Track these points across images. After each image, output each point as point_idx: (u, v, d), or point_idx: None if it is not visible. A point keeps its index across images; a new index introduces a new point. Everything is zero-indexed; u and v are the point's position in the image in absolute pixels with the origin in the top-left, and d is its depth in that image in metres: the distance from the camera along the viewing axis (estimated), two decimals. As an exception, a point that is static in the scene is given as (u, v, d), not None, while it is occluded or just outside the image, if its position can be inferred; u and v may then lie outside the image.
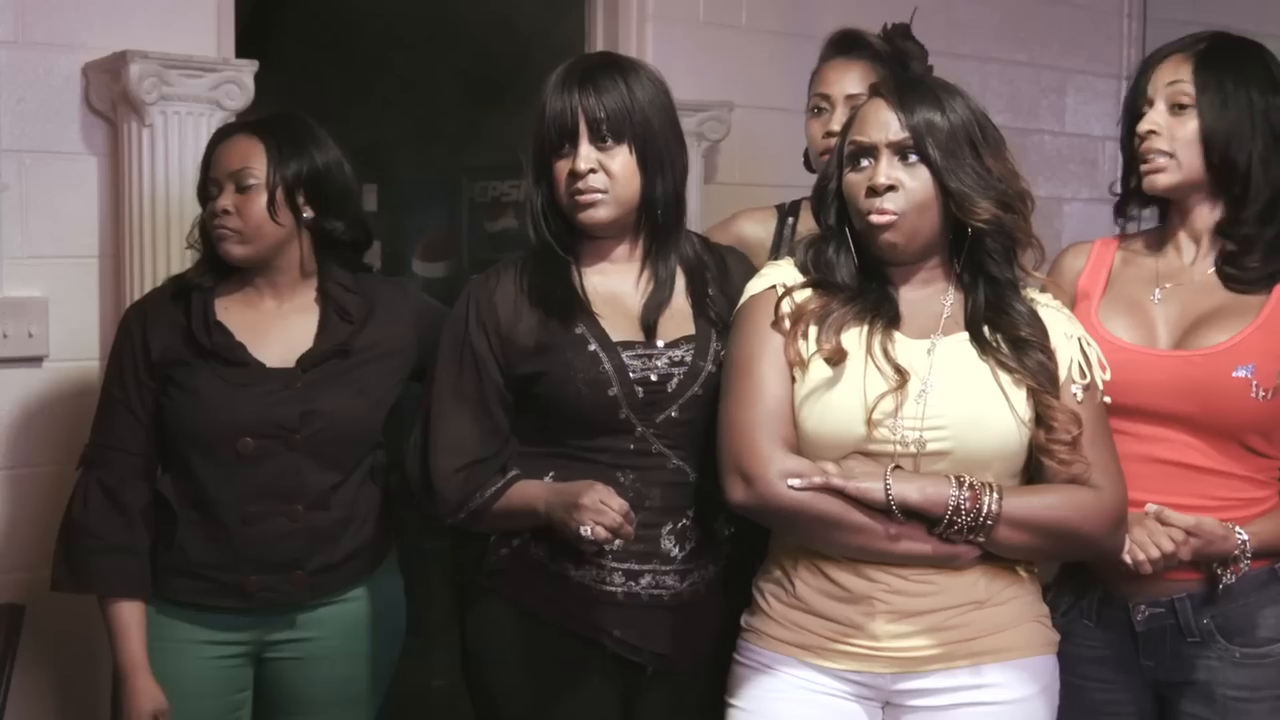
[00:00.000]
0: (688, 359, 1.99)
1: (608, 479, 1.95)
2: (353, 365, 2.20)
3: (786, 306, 1.89)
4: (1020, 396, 1.84)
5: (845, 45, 2.46)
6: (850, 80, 2.39)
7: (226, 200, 2.16)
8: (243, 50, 2.74)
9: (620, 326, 2.00)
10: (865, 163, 1.87)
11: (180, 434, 2.16)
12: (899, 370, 1.82)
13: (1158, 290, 2.02)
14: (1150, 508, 1.92)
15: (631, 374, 1.95)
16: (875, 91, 1.92)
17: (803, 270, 1.94)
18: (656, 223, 2.00)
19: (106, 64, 2.56)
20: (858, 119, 1.91)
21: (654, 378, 1.97)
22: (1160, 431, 1.96)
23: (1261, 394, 1.91)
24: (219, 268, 2.20)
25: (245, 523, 2.14)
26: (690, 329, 2.02)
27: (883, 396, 1.80)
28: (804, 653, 1.87)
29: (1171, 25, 4.02)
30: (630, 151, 1.96)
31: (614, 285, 2.02)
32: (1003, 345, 1.86)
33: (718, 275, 2.08)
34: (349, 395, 2.19)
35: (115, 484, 2.17)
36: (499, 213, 6.19)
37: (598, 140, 1.95)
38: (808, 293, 1.91)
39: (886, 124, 1.86)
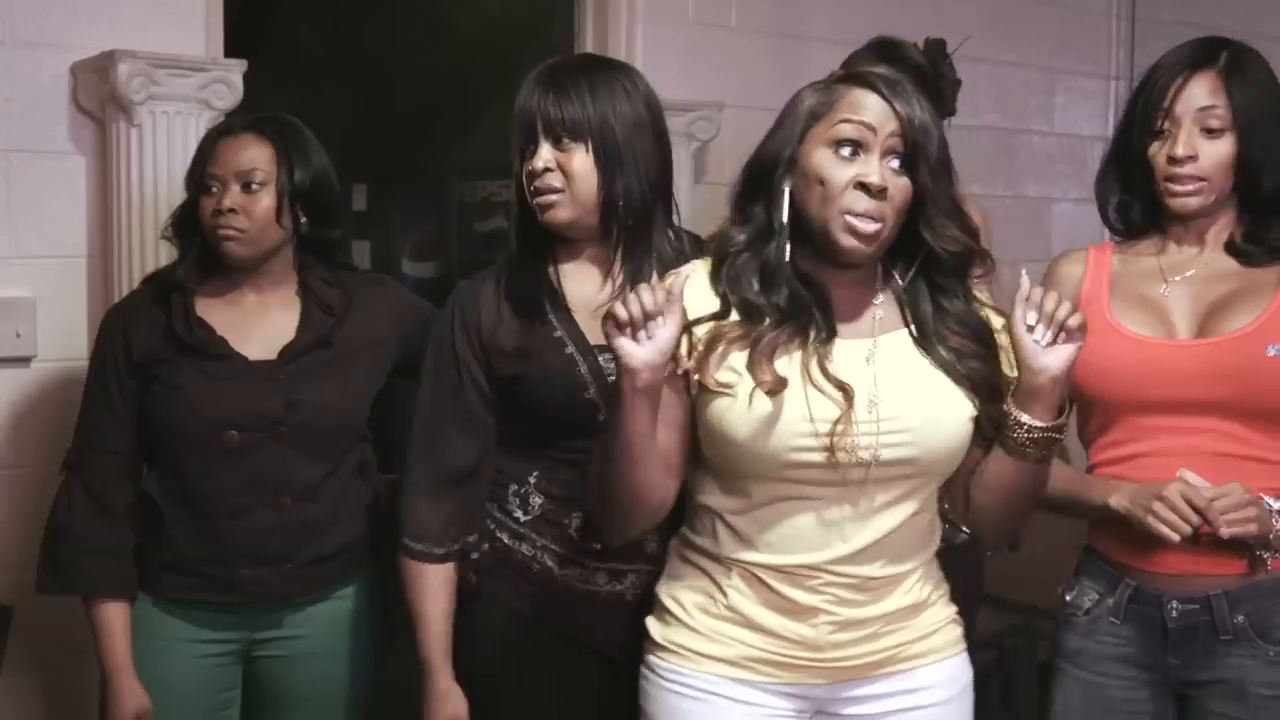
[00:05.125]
0: None
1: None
2: (335, 356, 2.21)
3: (698, 333, 1.73)
4: (962, 390, 1.76)
5: (886, 55, 2.45)
6: None
7: (233, 199, 2.15)
8: (232, 49, 2.74)
9: (598, 329, 1.97)
10: (854, 154, 1.70)
11: (165, 431, 2.16)
12: (843, 388, 1.69)
13: (1165, 285, 2.01)
14: (1181, 473, 1.89)
15: (608, 376, 1.95)
16: (864, 80, 1.74)
17: (717, 282, 1.77)
18: (623, 223, 2.00)
19: (95, 63, 2.55)
20: (849, 103, 1.72)
21: None
22: (1199, 422, 1.93)
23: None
24: (204, 264, 2.20)
25: (232, 516, 2.14)
26: None
27: (837, 422, 1.67)
28: (737, 669, 1.77)
29: (1160, 26, 4.05)
30: (587, 151, 1.96)
31: (589, 286, 2.03)
32: (944, 347, 1.76)
33: None
34: (332, 386, 2.19)
35: (99, 486, 2.17)
36: (489, 213, 6.19)
37: (554, 140, 1.97)
38: (725, 319, 1.74)
39: (884, 120, 1.70)
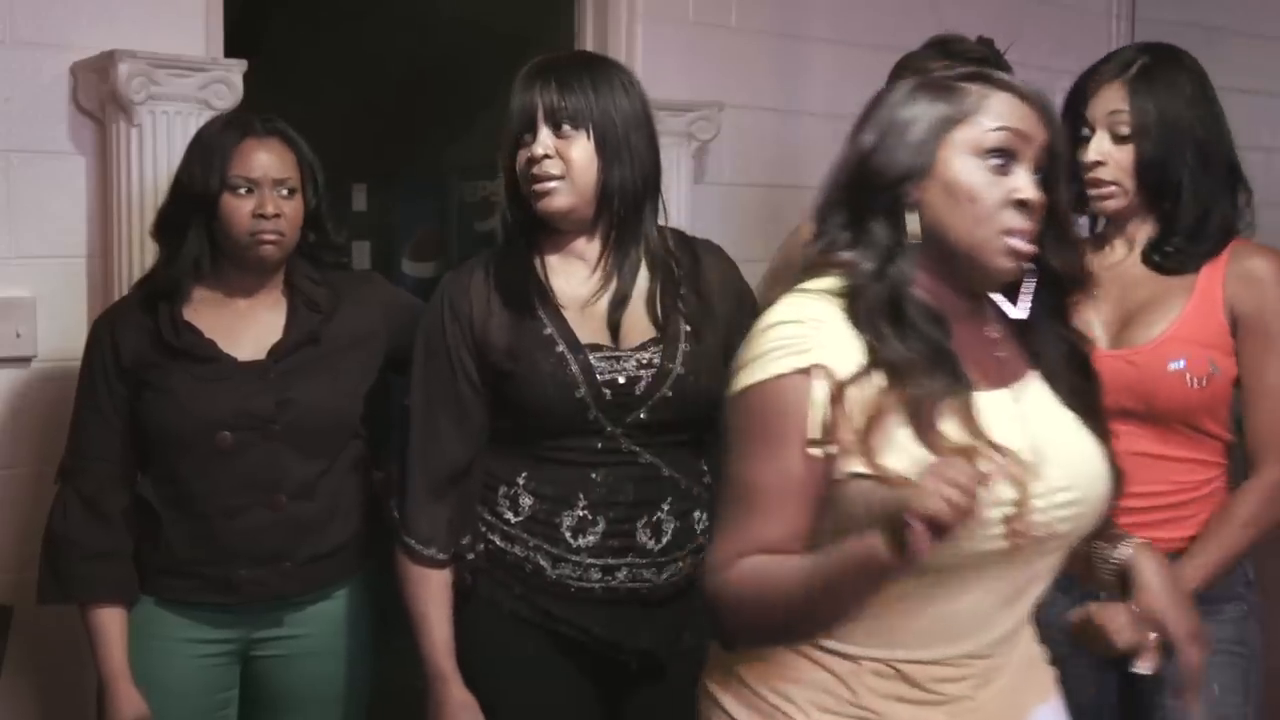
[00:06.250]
0: (655, 361, 1.99)
1: (580, 477, 1.97)
2: (324, 354, 2.20)
3: (846, 407, 1.41)
4: (1095, 438, 1.56)
5: (946, 50, 2.46)
6: None
7: (276, 204, 2.14)
8: (232, 49, 2.74)
9: (588, 327, 2.00)
10: (1005, 166, 1.49)
11: (158, 435, 2.16)
12: (1000, 449, 1.39)
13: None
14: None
15: (599, 375, 1.95)
16: (1007, 84, 1.53)
17: (855, 324, 1.45)
18: (616, 215, 2.00)
19: (94, 63, 2.55)
20: (997, 108, 1.50)
21: (621, 380, 1.97)
22: (1115, 426, 1.97)
23: (1196, 383, 1.99)
24: (201, 266, 2.18)
25: (228, 516, 2.14)
26: (653, 329, 2.02)
27: (1018, 501, 1.39)
28: None
29: (1160, 26, 4.04)
30: (588, 139, 1.96)
31: (577, 281, 2.02)
32: (1065, 388, 1.57)
33: (690, 272, 2.07)
34: (323, 383, 2.19)
35: (93, 492, 2.17)
36: (489, 213, 6.19)
37: (555, 128, 1.96)
38: (867, 379, 1.42)
39: (1035, 129, 1.51)
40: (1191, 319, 2.02)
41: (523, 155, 1.98)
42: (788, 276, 1.60)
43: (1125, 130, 2.02)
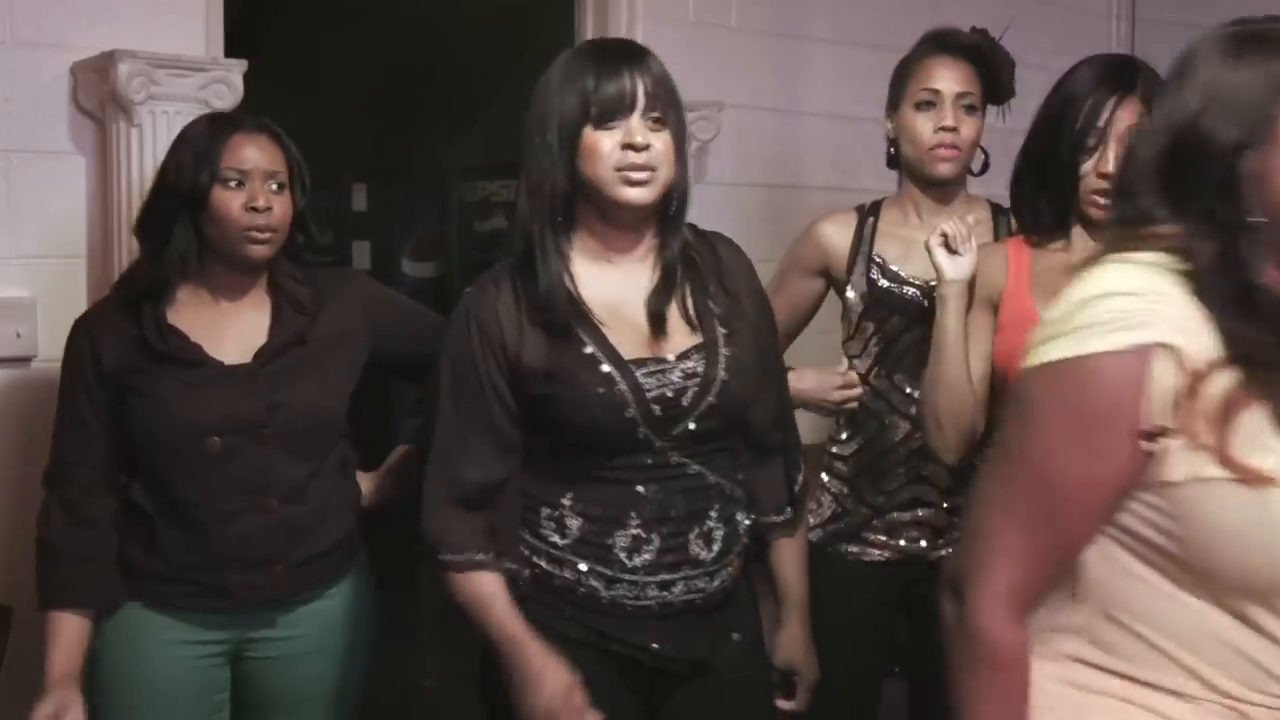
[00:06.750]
0: (699, 370, 1.92)
1: (630, 495, 1.90)
2: (311, 354, 2.18)
3: (1203, 397, 1.22)
4: None
5: (948, 44, 2.48)
6: (961, 78, 2.45)
7: (267, 198, 2.11)
8: (232, 49, 2.74)
9: (628, 340, 1.92)
10: None
11: (146, 441, 2.14)
12: None
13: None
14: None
15: (647, 392, 1.88)
16: None
17: (1201, 296, 1.25)
18: (669, 214, 1.93)
19: (94, 63, 2.55)
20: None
21: (669, 393, 1.90)
22: None
23: None
24: (188, 263, 2.14)
25: (221, 522, 2.12)
26: (695, 334, 1.96)
27: None
28: None
29: (1160, 26, 4.04)
30: (669, 132, 1.89)
31: (611, 287, 1.93)
32: None
33: (714, 267, 2.01)
34: (311, 384, 2.17)
35: (75, 498, 2.15)
36: (489, 213, 6.19)
37: (650, 116, 1.86)
38: (1226, 368, 1.23)
39: None
40: None
41: (606, 141, 1.86)
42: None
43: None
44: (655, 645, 1.93)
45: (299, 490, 2.17)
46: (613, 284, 1.94)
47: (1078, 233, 2.18)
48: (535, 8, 4.01)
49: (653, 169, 1.86)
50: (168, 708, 2.16)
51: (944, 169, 2.46)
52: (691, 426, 1.92)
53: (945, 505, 2.46)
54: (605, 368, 1.88)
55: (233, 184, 2.11)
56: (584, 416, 1.87)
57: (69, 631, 2.13)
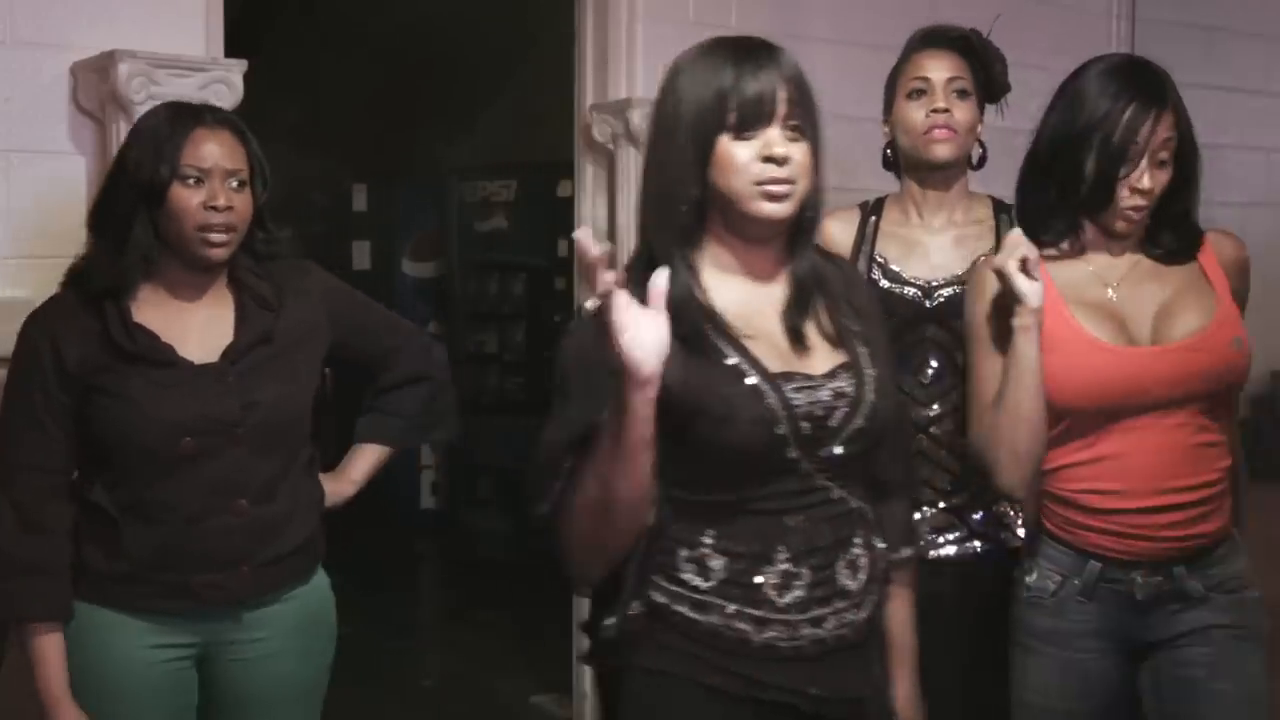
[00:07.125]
0: (848, 390, 1.78)
1: (776, 527, 1.76)
2: (278, 351, 2.14)
3: None
4: None
5: (938, 38, 2.48)
6: (950, 66, 2.45)
7: (228, 196, 2.07)
8: (232, 49, 2.74)
9: (770, 353, 1.77)
10: None
11: (117, 441, 2.08)
12: None
13: (1110, 290, 2.10)
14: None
15: (796, 408, 1.73)
16: None
17: None
18: (801, 227, 1.80)
19: (95, 63, 2.55)
20: None
21: (819, 412, 1.75)
22: (1171, 418, 2.05)
23: (1239, 345, 2.09)
24: (151, 260, 2.08)
25: (190, 522, 2.09)
26: (839, 352, 1.82)
27: None
28: None
29: (1160, 26, 4.04)
30: (808, 143, 1.75)
31: (742, 300, 1.80)
32: None
33: (845, 286, 1.88)
34: (282, 382, 2.14)
35: (29, 503, 2.08)
36: (489, 213, 6.20)
37: (790, 125, 1.73)
38: None
39: None
40: (1226, 298, 2.10)
41: (743, 151, 1.72)
42: None
43: (1167, 156, 2.05)
44: (811, 689, 1.77)
45: (268, 490, 2.13)
46: (744, 297, 1.80)
47: (1093, 242, 2.12)
48: (535, 8, 4.01)
49: (792, 182, 1.73)
50: (134, 711, 2.12)
51: (940, 150, 2.45)
52: (838, 450, 1.77)
53: (944, 506, 2.46)
54: (751, 380, 1.73)
55: (191, 181, 2.06)
56: (732, 434, 1.72)
57: (53, 648, 2.08)
